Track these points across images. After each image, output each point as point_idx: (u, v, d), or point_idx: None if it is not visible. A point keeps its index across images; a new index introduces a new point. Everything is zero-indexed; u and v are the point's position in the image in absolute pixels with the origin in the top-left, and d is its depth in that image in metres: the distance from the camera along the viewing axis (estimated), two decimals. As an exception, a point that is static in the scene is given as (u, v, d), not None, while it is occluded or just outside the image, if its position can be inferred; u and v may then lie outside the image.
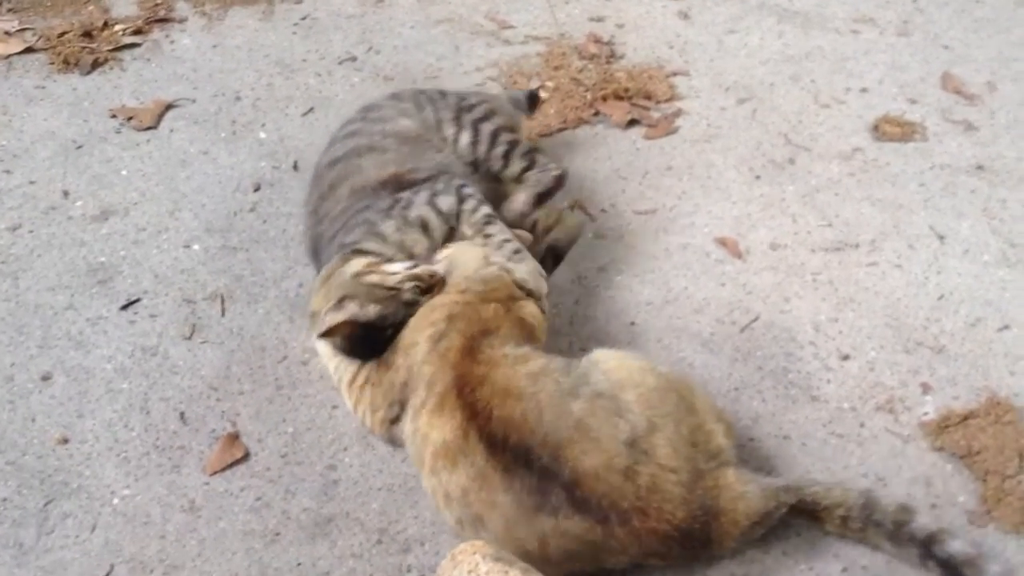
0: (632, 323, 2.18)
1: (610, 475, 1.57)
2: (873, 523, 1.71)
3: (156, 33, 2.90)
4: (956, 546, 1.67)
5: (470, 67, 2.93)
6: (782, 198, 2.55)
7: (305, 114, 2.64)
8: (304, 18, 3.04)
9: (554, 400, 1.62)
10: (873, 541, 1.73)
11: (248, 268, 2.20)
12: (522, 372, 1.65)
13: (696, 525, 1.60)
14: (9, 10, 2.93)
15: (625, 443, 1.59)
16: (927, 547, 1.67)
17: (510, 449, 1.57)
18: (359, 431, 1.92)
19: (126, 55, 2.80)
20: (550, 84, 2.88)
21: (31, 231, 2.24)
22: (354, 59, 2.89)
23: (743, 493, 1.66)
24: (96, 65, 2.74)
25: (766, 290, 2.28)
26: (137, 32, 2.86)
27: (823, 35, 3.21)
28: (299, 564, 1.71)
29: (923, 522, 1.70)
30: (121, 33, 2.85)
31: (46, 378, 1.94)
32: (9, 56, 2.75)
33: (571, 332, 2.14)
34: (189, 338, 2.05)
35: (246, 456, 1.85)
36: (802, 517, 1.74)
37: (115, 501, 1.76)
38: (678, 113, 2.83)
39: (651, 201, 2.51)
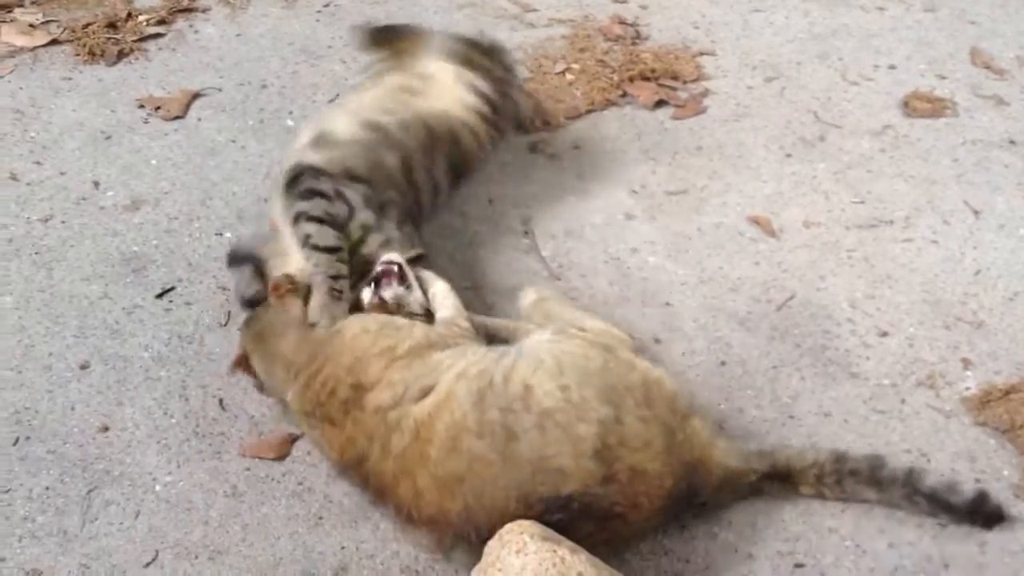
0: (667, 304, 2.17)
1: (591, 489, 1.55)
2: (849, 474, 1.73)
3: (180, 23, 2.89)
4: (934, 477, 1.72)
5: (495, 51, 2.90)
6: (814, 176, 2.53)
7: (331, 101, 2.63)
8: (327, 5, 3.03)
9: (494, 463, 1.57)
10: (855, 494, 1.75)
11: (281, 255, 2.19)
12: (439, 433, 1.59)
13: (682, 483, 1.61)
14: (33, 3, 2.93)
15: (593, 453, 1.56)
16: (910, 483, 1.71)
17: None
18: (398, 415, 1.90)
19: (151, 45, 2.80)
20: (576, 66, 2.85)
21: (63, 221, 2.24)
22: (380, 45, 2.86)
23: (713, 441, 1.69)
24: (121, 56, 2.73)
25: (801, 268, 2.27)
26: (161, 22, 2.86)
27: (848, 12, 3.18)
28: (343, 548, 1.71)
29: (898, 463, 1.73)
30: (145, 23, 2.85)
31: (84, 367, 1.94)
32: (35, 48, 2.75)
33: (606, 314, 2.12)
34: (225, 325, 2.05)
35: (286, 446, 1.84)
36: (777, 482, 1.74)
37: (157, 488, 1.76)
38: (706, 93, 2.81)
39: (682, 181, 2.49)
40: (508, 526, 1.49)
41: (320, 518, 1.75)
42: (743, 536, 1.73)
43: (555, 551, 1.45)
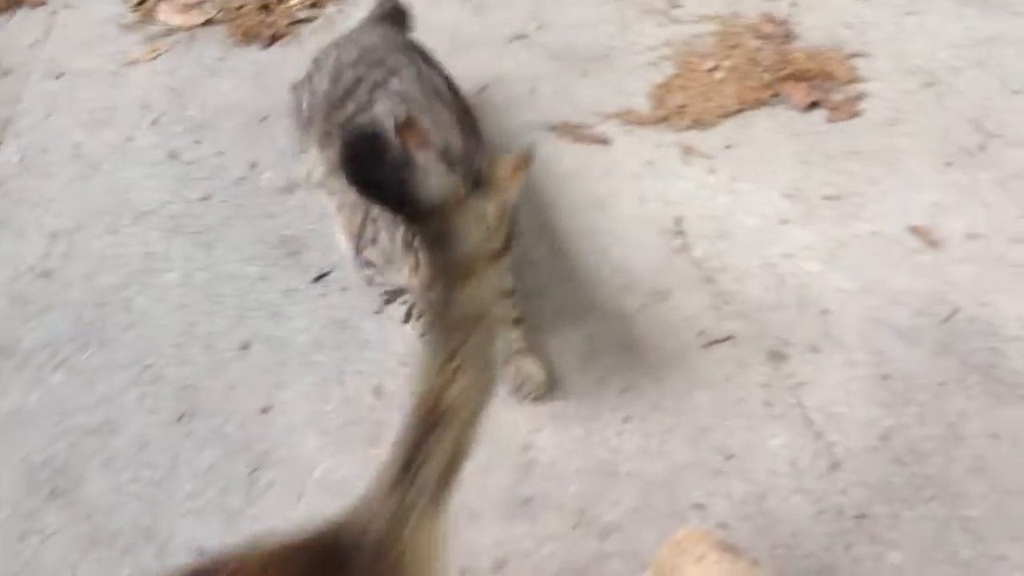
0: (825, 312, 2.11)
1: None
2: None
3: (330, 8, 2.91)
4: None
5: (641, 46, 2.87)
6: (975, 186, 2.44)
7: (480, 91, 2.62)
8: (473, -7, 3.03)
9: None
10: None
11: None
12: None
13: None
14: (188, -17, 2.98)
15: None
16: None
17: None
18: (553, 411, 1.89)
19: (303, 29, 2.82)
20: (726, 64, 2.79)
21: (222, 201, 2.27)
22: (525, 36, 2.85)
23: None
24: (274, 39, 2.76)
25: (965, 282, 2.18)
26: (312, 6, 2.88)
27: (1007, 19, 3.05)
28: (500, 543, 1.69)
29: None
30: (297, 7, 2.87)
31: (244, 347, 1.96)
32: (191, 28, 2.80)
33: (760, 320, 2.07)
34: (379, 312, 2.05)
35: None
36: None
37: (316, 473, 1.77)
38: (861, 96, 2.72)
39: (837, 186, 2.42)
40: (685, 533, 1.46)
41: (477, 512, 1.73)
42: None
43: (736, 562, 1.41)
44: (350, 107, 1.88)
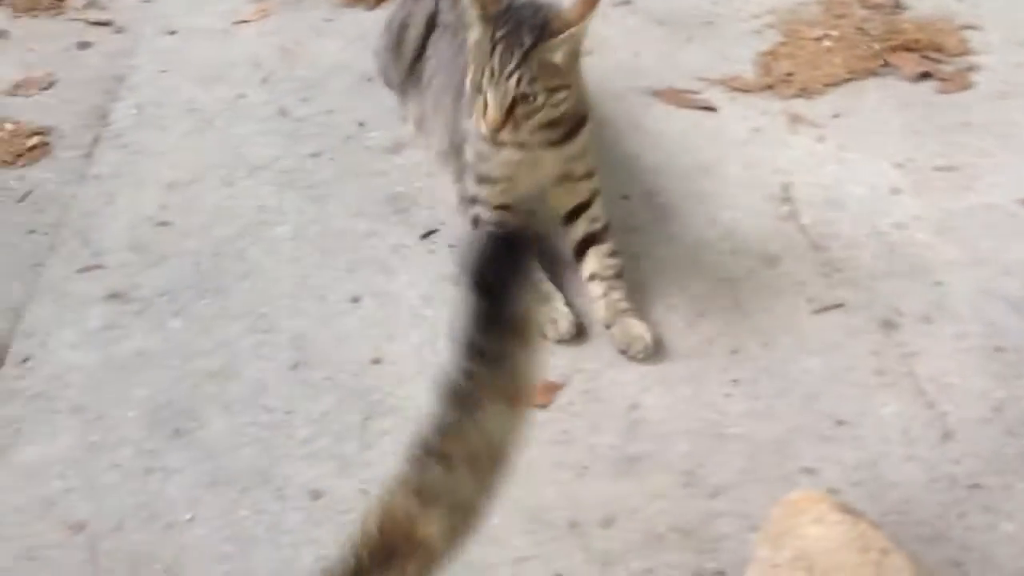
0: (937, 283, 2.08)
1: None
2: None
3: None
4: None
5: (746, 14, 2.85)
6: (1092, 161, 2.37)
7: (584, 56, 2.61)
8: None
9: None
10: None
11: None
12: None
13: None
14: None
15: None
16: None
17: None
18: (660, 372, 1.89)
19: (407, -8, 2.83)
20: (834, 33, 2.75)
21: (331, 159, 2.30)
22: (628, 2, 2.84)
23: None
24: (379, 1, 2.78)
25: (1082, 257, 2.13)
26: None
27: (1125, -8, 2.96)
28: (608, 499, 1.70)
29: None
30: (403, -32, 2.87)
31: (355, 300, 2.00)
32: (297, -11, 2.83)
33: (870, 287, 2.05)
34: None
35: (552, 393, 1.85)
36: None
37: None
38: (972, 68, 2.67)
39: (949, 158, 2.38)
40: (800, 494, 1.46)
41: (585, 468, 1.75)
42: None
43: (856, 524, 1.40)
44: None
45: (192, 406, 1.81)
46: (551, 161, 1.96)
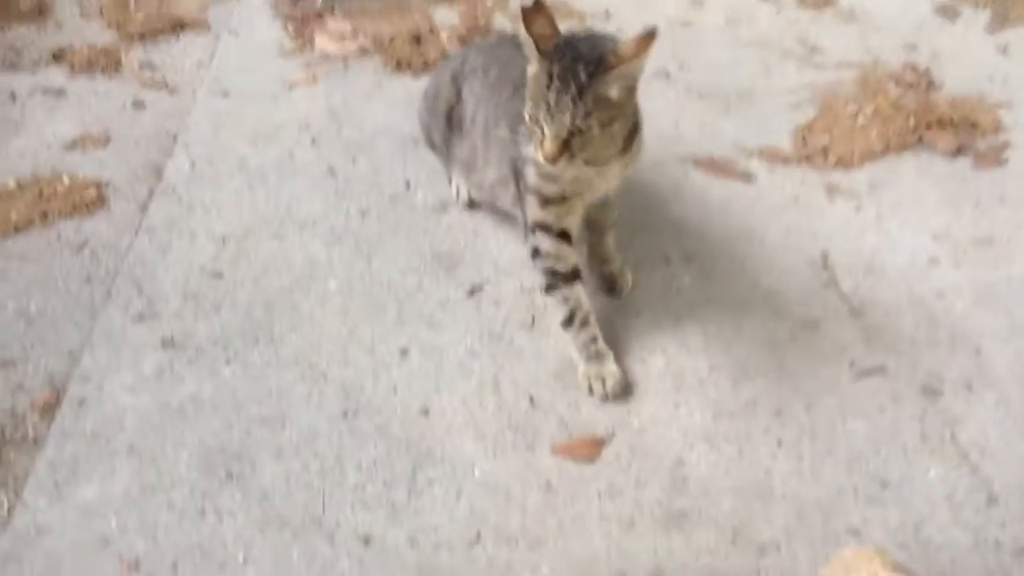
0: (978, 351, 2.10)
1: None
2: None
3: (478, 40, 3.00)
4: None
5: (782, 88, 2.91)
6: (1126, 237, 2.41)
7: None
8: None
9: None
10: None
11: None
12: None
13: None
14: (342, 14, 3.11)
15: None
16: None
17: None
18: (705, 430, 1.91)
19: (453, 60, 2.91)
20: (869, 109, 2.82)
21: (379, 216, 2.36)
22: (668, 75, 2.92)
23: None
24: (425, 67, 2.87)
25: (1121, 330, 2.15)
26: (461, 39, 2.97)
27: None
28: (656, 553, 1.71)
29: None
30: (447, 39, 2.97)
31: (403, 352, 2.03)
32: (346, 56, 2.92)
33: (912, 353, 2.07)
34: (531, 327, 2.10)
35: (598, 447, 1.87)
36: None
37: (476, 473, 1.82)
38: (1006, 145, 2.72)
39: (986, 230, 2.42)
40: (855, 551, 1.47)
41: (633, 521, 1.76)
42: None
43: (909, 579, 1.41)
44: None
45: (244, 450, 1.84)
46: (615, 170, 2.01)
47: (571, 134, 1.82)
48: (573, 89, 1.80)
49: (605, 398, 1.97)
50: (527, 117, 1.87)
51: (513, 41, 2.15)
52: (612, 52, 1.83)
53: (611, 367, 1.99)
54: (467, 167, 2.27)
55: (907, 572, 1.43)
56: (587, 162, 1.87)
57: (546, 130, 1.83)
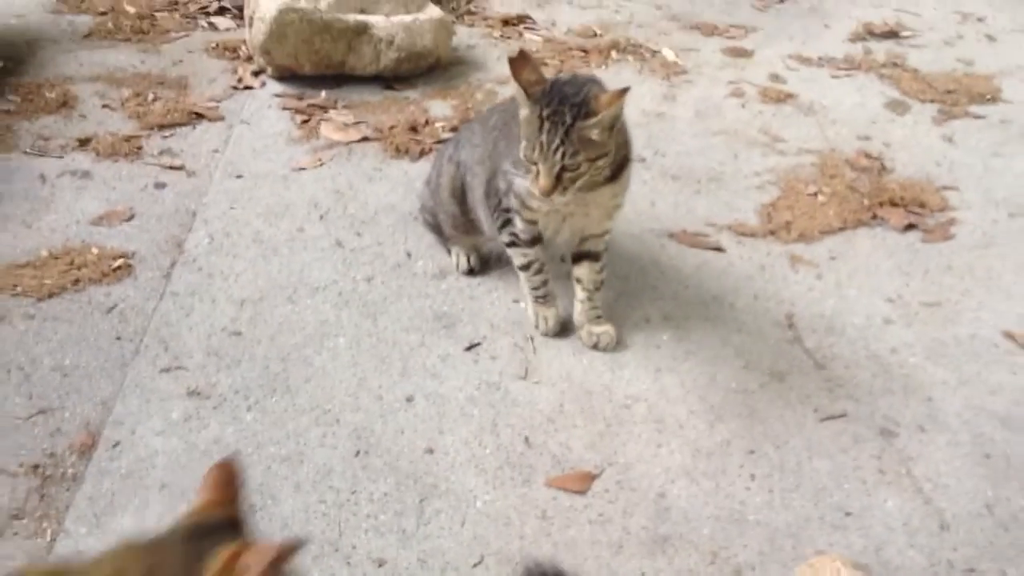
0: (930, 399, 2.32)
1: None
2: None
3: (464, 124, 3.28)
4: None
5: (749, 172, 3.19)
6: (1067, 303, 2.66)
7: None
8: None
9: None
10: None
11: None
12: None
13: None
14: (344, 107, 3.39)
15: None
16: None
17: None
18: (684, 467, 2.11)
19: (447, 147, 3.18)
20: (827, 190, 3.09)
21: (383, 282, 2.58)
22: (643, 160, 3.19)
23: None
24: (423, 153, 3.13)
25: (1058, 380, 2.39)
26: (454, 129, 3.25)
27: (1091, 162, 3.33)
28: (642, 573, 1.90)
29: None
30: (441, 129, 3.24)
31: (409, 399, 2.23)
32: (349, 143, 3.18)
33: (870, 401, 2.29)
34: (524, 378, 2.32)
35: (588, 481, 2.07)
36: None
37: (478, 504, 2.00)
38: (952, 222, 3.00)
39: (935, 295, 2.67)
40: (818, 557, 1.66)
41: (621, 546, 1.95)
42: None
43: (866, 576, 1.60)
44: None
45: (266, 486, 2.02)
46: (604, 196, 2.28)
47: (562, 170, 2.08)
48: (561, 131, 2.08)
49: (547, 333, 2.43)
50: (523, 156, 2.15)
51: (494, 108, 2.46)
52: (595, 97, 2.12)
53: (554, 310, 2.44)
54: (478, 221, 2.51)
55: (864, 570, 1.63)
56: (578, 191, 2.12)
57: (540, 167, 2.11)
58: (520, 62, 2.13)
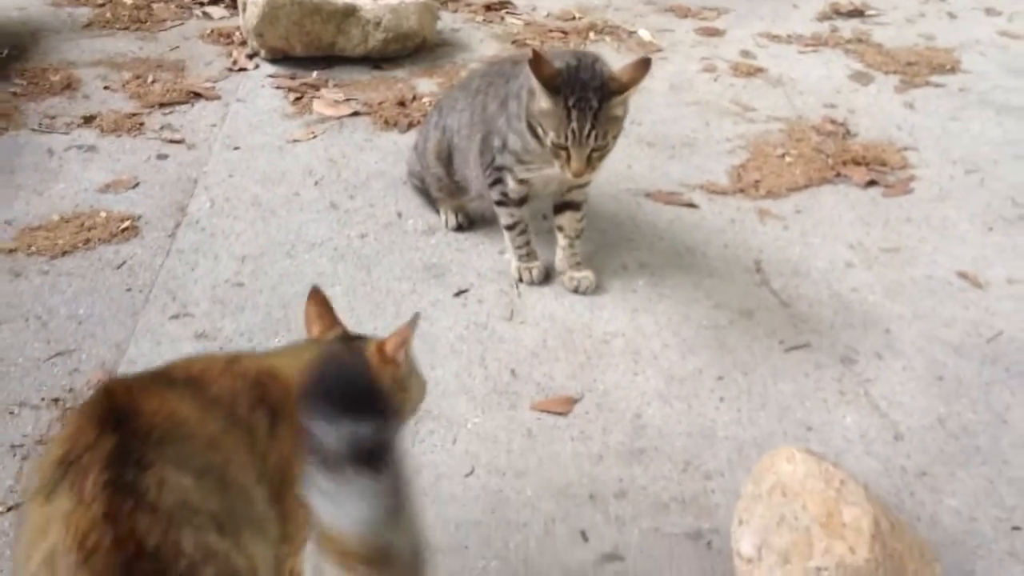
0: (887, 331, 2.50)
1: None
2: None
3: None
4: None
5: (720, 138, 3.37)
6: (1015, 245, 2.85)
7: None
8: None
9: None
10: None
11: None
12: None
13: None
14: (335, 86, 3.56)
15: None
16: None
17: None
18: (659, 391, 2.28)
19: (434, 119, 3.35)
20: (794, 152, 3.28)
21: (376, 238, 2.75)
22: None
23: None
24: (410, 126, 3.30)
25: (1007, 312, 2.58)
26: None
27: (1042, 125, 3.53)
28: (621, 480, 2.07)
29: None
30: (428, 104, 3.42)
31: (403, 338, 2.39)
32: (341, 118, 3.36)
33: (831, 334, 2.47)
34: (510, 319, 2.49)
35: (570, 404, 2.24)
36: None
37: (468, 425, 2.17)
38: (911, 178, 3.18)
39: (894, 242, 2.85)
40: (778, 449, 1.84)
41: (600, 457, 2.12)
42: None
43: (820, 463, 1.78)
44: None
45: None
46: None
47: (592, 151, 2.24)
48: (591, 115, 2.24)
49: (531, 283, 2.61)
50: (551, 145, 2.29)
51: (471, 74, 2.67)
52: (612, 77, 2.28)
53: (537, 263, 2.62)
54: (464, 181, 2.68)
55: (818, 456, 1.80)
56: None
57: (573, 153, 2.27)
58: (536, 61, 2.28)
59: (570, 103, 2.24)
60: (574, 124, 2.24)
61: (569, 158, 2.27)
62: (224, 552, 1.14)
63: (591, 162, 2.28)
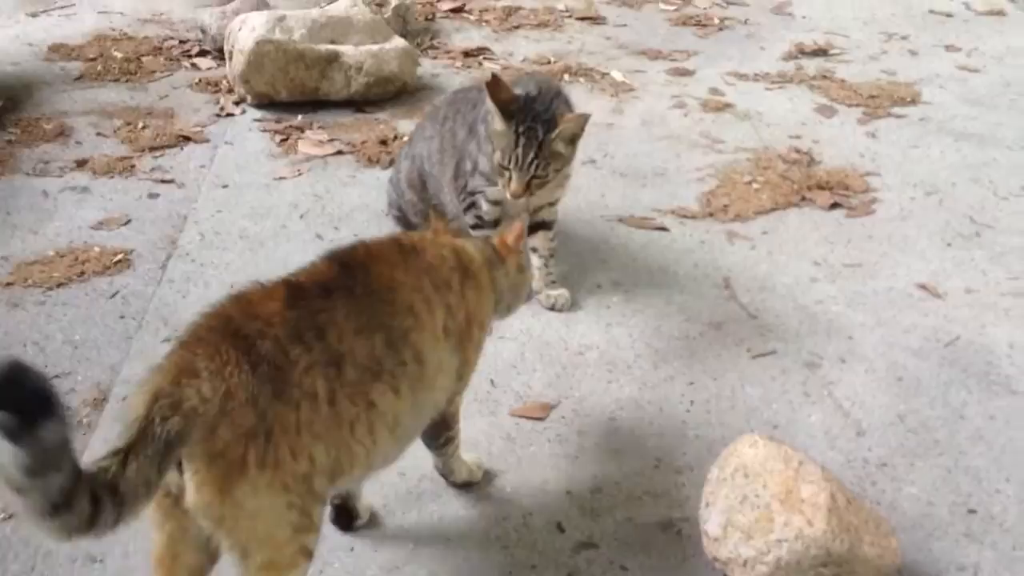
0: (850, 337, 2.62)
1: None
2: None
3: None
4: None
5: (691, 167, 3.52)
6: (972, 259, 2.99)
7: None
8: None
9: None
10: None
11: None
12: None
13: None
14: (319, 127, 3.71)
15: None
16: None
17: None
18: (632, 397, 2.39)
19: (415, 155, 3.49)
20: (761, 179, 3.43)
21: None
22: (594, 161, 3.52)
23: None
24: (392, 163, 3.43)
25: (965, 319, 2.70)
26: (421, 141, 3.56)
27: (997, 150, 3.70)
28: (595, 476, 2.17)
29: None
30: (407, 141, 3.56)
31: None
32: (325, 156, 3.49)
33: (797, 341, 2.59)
34: (490, 334, 2.59)
35: (547, 410, 2.34)
36: None
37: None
38: (874, 200, 3.33)
39: (857, 258, 2.98)
40: (741, 437, 1.95)
41: (577, 456, 2.22)
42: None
43: (780, 446, 1.89)
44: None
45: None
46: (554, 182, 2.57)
47: (532, 178, 2.39)
48: (535, 146, 2.40)
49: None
50: (496, 164, 2.45)
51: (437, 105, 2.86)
52: (562, 116, 2.45)
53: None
54: (440, 207, 2.81)
55: (779, 441, 1.91)
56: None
57: (514, 176, 2.43)
58: (495, 85, 2.45)
59: (520, 129, 2.41)
60: (519, 150, 2.42)
61: (510, 180, 2.43)
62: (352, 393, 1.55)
63: (530, 187, 2.45)
